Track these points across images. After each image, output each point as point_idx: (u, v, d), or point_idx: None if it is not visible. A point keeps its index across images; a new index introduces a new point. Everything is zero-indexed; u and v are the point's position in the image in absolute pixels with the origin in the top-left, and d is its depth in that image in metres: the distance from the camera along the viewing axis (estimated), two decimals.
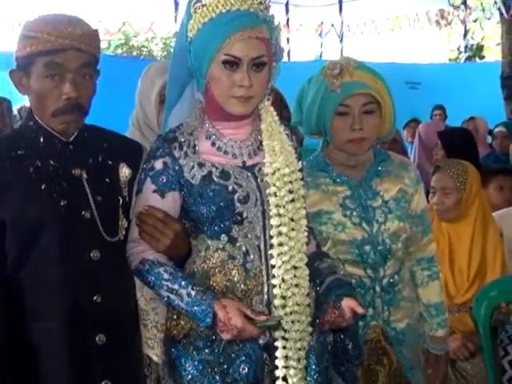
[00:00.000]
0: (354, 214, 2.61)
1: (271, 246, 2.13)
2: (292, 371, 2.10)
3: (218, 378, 2.12)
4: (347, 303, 2.09)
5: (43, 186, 2.06)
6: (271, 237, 2.13)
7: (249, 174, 2.17)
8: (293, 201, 2.14)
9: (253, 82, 2.08)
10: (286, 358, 2.10)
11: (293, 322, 2.11)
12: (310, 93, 2.65)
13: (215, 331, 2.06)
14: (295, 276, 2.12)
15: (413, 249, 2.77)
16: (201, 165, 2.14)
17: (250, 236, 2.15)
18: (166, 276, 2.08)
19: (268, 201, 2.13)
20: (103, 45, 19.41)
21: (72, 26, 2.04)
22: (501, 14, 10.31)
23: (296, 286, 2.12)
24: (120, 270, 2.17)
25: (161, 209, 2.14)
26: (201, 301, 2.02)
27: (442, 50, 19.72)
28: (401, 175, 2.72)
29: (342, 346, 2.22)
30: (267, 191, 2.13)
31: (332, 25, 12.15)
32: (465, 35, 15.16)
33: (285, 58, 10.62)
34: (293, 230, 2.13)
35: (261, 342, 2.12)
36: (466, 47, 15.22)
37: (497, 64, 11.63)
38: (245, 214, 2.14)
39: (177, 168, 2.14)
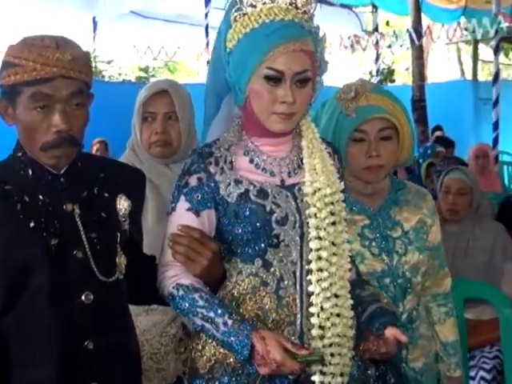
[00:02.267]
0: (373, 244, 2.51)
1: (308, 273, 2.00)
2: None
3: None
4: (390, 332, 1.98)
5: (32, 224, 1.92)
6: (309, 262, 2.00)
7: (288, 194, 2.04)
8: (334, 223, 2.02)
9: (296, 98, 1.97)
10: None
11: (332, 354, 1.96)
12: (324, 117, 2.55)
13: (247, 364, 1.94)
14: (336, 305, 1.99)
15: (429, 283, 2.67)
16: (238, 182, 2.02)
17: (285, 261, 2.02)
18: (201, 303, 1.96)
19: (307, 223, 2.00)
20: None
21: (60, 50, 1.89)
22: (411, 40, 10.56)
23: (337, 315, 1.99)
24: (116, 312, 2.04)
25: (196, 228, 2.01)
26: (238, 331, 1.89)
27: (354, 74, 20.10)
28: (419, 205, 2.62)
29: (383, 380, 2.12)
30: (307, 212, 2.00)
31: None
32: (376, 59, 15.49)
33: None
34: (334, 254, 2.00)
35: (291, 376, 1.96)
36: (377, 71, 15.50)
37: (407, 87, 11.99)
38: (282, 237, 2.01)
39: (212, 185, 2.03)
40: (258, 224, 1.99)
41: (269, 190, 2.02)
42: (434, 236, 2.64)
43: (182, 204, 2.04)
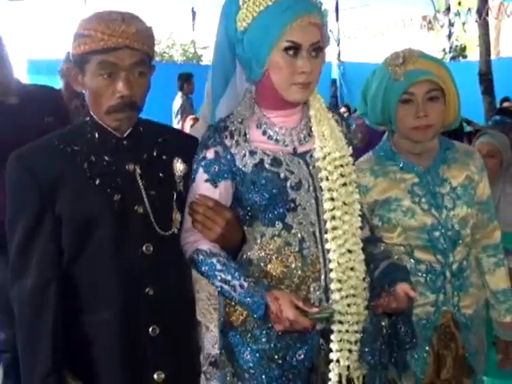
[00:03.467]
0: (423, 200, 2.41)
1: (326, 231, 1.96)
2: (346, 353, 1.93)
3: (274, 366, 1.98)
4: (401, 287, 1.93)
5: (97, 181, 1.93)
6: (325, 222, 1.96)
7: (300, 161, 2.00)
8: (345, 185, 1.97)
9: (312, 67, 1.92)
10: (341, 341, 1.93)
11: (349, 305, 1.93)
12: (373, 83, 2.46)
13: (267, 322, 1.90)
14: (350, 260, 1.94)
15: (479, 236, 2.56)
16: (252, 153, 1.98)
17: (304, 223, 1.98)
18: (219, 267, 1.92)
19: (320, 187, 1.95)
20: None
21: (125, 23, 1.88)
22: (478, 18, 10.34)
23: (351, 269, 1.94)
24: (173, 262, 2.02)
25: (211, 197, 1.98)
26: (253, 292, 1.86)
27: (430, 51, 19.77)
28: (467, 162, 2.51)
29: (394, 330, 2.07)
30: (319, 176, 1.96)
31: (330, 30, 11.97)
32: (449, 37, 15.43)
33: None
34: (346, 213, 1.96)
35: (318, 327, 1.94)
36: (450, 48, 15.45)
37: (476, 63, 11.63)
38: (298, 201, 1.97)
39: (228, 157, 1.98)
40: (274, 191, 1.95)
41: (282, 159, 1.98)
42: (481, 191, 2.54)
43: (201, 175, 2.00)
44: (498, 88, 10.34)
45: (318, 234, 1.97)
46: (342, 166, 1.96)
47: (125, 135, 1.99)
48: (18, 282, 1.92)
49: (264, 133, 2.01)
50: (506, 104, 10.26)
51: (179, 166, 2.04)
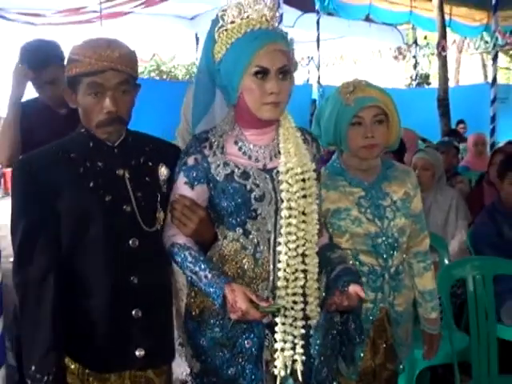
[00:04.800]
0: (368, 211, 2.42)
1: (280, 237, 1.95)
2: (288, 344, 1.92)
3: (226, 351, 1.99)
4: (353, 288, 1.91)
5: (91, 184, 1.96)
6: (280, 231, 1.95)
7: (267, 176, 1.98)
8: (305, 196, 1.95)
9: (281, 88, 1.91)
10: (284, 332, 1.92)
11: (294, 302, 1.93)
12: (327, 109, 2.46)
13: (225, 311, 1.88)
14: (303, 262, 1.94)
15: (411, 243, 2.58)
16: (226, 164, 1.98)
17: (261, 230, 1.97)
18: (189, 259, 1.94)
19: (281, 198, 1.94)
20: (139, 69, 19.79)
21: (110, 48, 1.92)
22: (438, 52, 10.48)
23: (303, 271, 1.94)
24: (156, 255, 2.04)
25: (188, 197, 1.99)
26: (215, 283, 1.87)
27: (399, 78, 19.90)
28: (404, 180, 2.53)
29: (345, 327, 2.05)
30: (280, 187, 1.94)
31: (311, 57, 12.03)
32: (415, 67, 15.52)
33: None
34: (304, 222, 1.94)
35: (264, 321, 1.95)
36: (416, 75, 15.53)
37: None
38: (259, 211, 1.96)
39: (205, 165, 1.99)
40: (239, 200, 1.95)
41: (251, 173, 1.97)
42: (415, 205, 2.56)
43: (181, 178, 2.01)
44: (454, 112, 10.39)
45: (272, 240, 1.97)
46: (303, 180, 1.95)
47: (116, 144, 2.02)
48: (21, 272, 1.94)
49: (240, 148, 2.01)
50: (460, 125, 10.46)
51: (163, 171, 2.06)
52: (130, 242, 1.98)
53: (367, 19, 12.33)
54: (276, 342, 1.93)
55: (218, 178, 1.96)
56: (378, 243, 2.40)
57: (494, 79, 8.93)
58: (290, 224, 1.91)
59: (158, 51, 14.80)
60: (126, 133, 2.05)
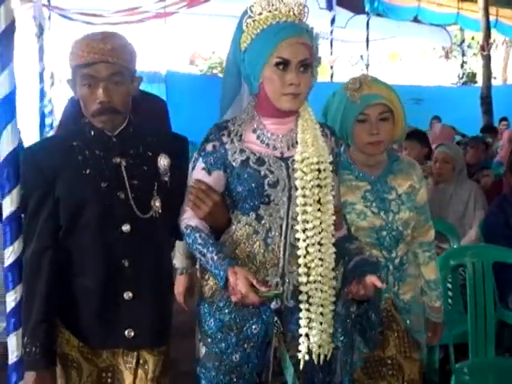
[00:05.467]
0: (373, 205, 2.34)
1: (292, 227, 1.90)
2: (314, 331, 1.86)
3: (232, 334, 1.94)
4: (370, 278, 1.83)
5: (88, 171, 1.94)
6: (294, 219, 1.90)
7: (282, 164, 1.92)
8: (319, 186, 1.89)
9: (300, 80, 1.86)
10: (309, 319, 1.86)
11: (316, 289, 1.87)
12: (334, 104, 2.38)
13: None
14: (320, 251, 1.87)
15: (416, 234, 2.48)
16: (242, 151, 1.93)
17: (274, 216, 1.91)
18: (199, 241, 1.88)
19: (295, 187, 1.88)
20: (202, 67, 21.16)
21: (103, 41, 1.89)
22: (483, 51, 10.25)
23: (320, 259, 1.87)
24: (149, 240, 2.00)
25: (204, 181, 1.94)
26: (219, 265, 1.81)
27: (447, 76, 19.36)
28: (410, 173, 2.43)
29: (366, 315, 1.98)
30: (295, 175, 1.88)
31: (361, 56, 11.83)
32: (462, 66, 15.33)
33: (329, 79, 10.57)
34: (319, 210, 1.88)
35: (272, 306, 1.89)
36: (463, 74, 15.33)
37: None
38: (272, 197, 1.90)
39: (223, 151, 1.94)
40: (253, 185, 1.90)
41: (266, 160, 1.92)
42: (420, 197, 2.45)
43: (200, 164, 1.97)
44: (499, 109, 10.12)
45: (284, 227, 1.91)
46: (318, 170, 1.89)
47: (115, 133, 1.99)
48: (26, 248, 2.00)
49: (258, 137, 1.95)
50: (502, 123, 10.04)
51: (163, 161, 2.00)
52: (123, 227, 1.95)
53: (415, 20, 12.06)
54: (300, 327, 1.87)
55: (234, 164, 1.92)
56: (382, 236, 2.32)
57: None
58: (305, 212, 1.86)
59: (217, 49, 14.89)
60: (128, 123, 2.01)
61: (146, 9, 9.50)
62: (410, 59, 13.92)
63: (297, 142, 1.93)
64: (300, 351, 1.87)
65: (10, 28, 2.10)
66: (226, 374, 1.94)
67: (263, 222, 1.91)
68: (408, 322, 2.38)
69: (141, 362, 2.04)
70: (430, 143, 5.37)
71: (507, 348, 3.15)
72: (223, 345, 1.94)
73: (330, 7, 11.61)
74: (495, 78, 19.84)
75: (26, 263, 2.00)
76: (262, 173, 1.89)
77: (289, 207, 1.90)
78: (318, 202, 1.87)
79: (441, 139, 6.89)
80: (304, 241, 1.85)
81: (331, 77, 12.61)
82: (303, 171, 1.87)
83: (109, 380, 2.05)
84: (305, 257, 1.85)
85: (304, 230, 1.85)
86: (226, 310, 1.94)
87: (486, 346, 2.99)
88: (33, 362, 1.92)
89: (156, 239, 2.00)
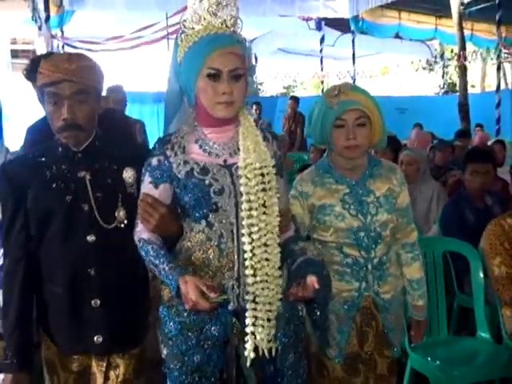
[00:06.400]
0: (352, 207, 2.20)
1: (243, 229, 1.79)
2: (260, 329, 1.75)
3: (193, 336, 1.84)
4: (310, 279, 1.70)
5: (54, 185, 1.89)
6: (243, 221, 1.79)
7: (226, 171, 1.82)
8: (264, 190, 1.77)
9: (233, 89, 1.76)
10: (255, 318, 1.75)
11: (262, 288, 1.75)
12: (315, 110, 2.25)
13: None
14: (266, 251, 1.75)
15: (399, 235, 2.34)
16: (186, 162, 1.82)
17: (224, 222, 1.80)
18: (151, 253, 1.79)
19: (241, 192, 1.76)
20: None
21: (68, 62, 1.83)
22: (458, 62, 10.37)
23: (266, 259, 1.75)
24: (115, 249, 1.92)
25: (150, 195, 1.84)
26: (171, 275, 1.72)
27: (429, 86, 19.28)
28: (389, 177, 2.29)
29: (312, 315, 1.88)
30: (240, 181, 1.77)
31: (348, 71, 11.75)
32: (442, 76, 15.44)
33: (320, 93, 10.55)
34: (264, 213, 1.76)
35: (230, 308, 1.81)
36: (444, 84, 15.40)
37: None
38: (220, 204, 1.79)
39: (167, 164, 1.84)
40: (199, 194, 1.80)
41: (210, 168, 1.82)
42: (401, 200, 2.30)
43: (147, 178, 1.87)
44: (476, 116, 10.02)
45: (235, 231, 1.80)
46: (262, 175, 1.77)
47: (80, 149, 1.92)
48: (4, 261, 1.98)
49: (200, 146, 1.85)
50: (476, 128, 9.84)
51: (129, 173, 1.94)
52: (88, 237, 1.89)
53: (397, 36, 11.99)
54: (246, 326, 1.76)
55: (179, 176, 1.82)
56: (360, 237, 2.19)
57: (498, 86, 8.90)
58: (251, 216, 1.75)
59: None
60: (94, 138, 1.94)
61: (131, 36, 9.60)
62: (395, 72, 13.78)
63: (239, 149, 1.83)
64: (245, 349, 1.77)
65: None
66: (189, 374, 1.85)
67: (214, 228, 1.81)
68: (386, 320, 2.27)
69: (113, 365, 1.99)
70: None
71: (470, 330, 3.11)
72: (184, 347, 1.85)
73: (319, 28, 11.66)
74: (473, 86, 19.79)
75: (4, 272, 1.96)
76: (207, 182, 1.80)
77: (237, 212, 1.80)
78: (263, 205, 1.77)
79: (417, 144, 6.90)
80: (250, 243, 1.74)
81: (322, 91, 12.69)
82: (247, 177, 1.76)
83: None
84: (251, 259, 1.74)
85: (250, 234, 1.75)
86: (185, 313, 1.84)
87: (439, 327, 2.93)
88: (9, 365, 1.91)
89: (123, 248, 1.91)
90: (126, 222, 1.91)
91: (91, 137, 1.93)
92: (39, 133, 1.95)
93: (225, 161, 1.83)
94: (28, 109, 3.77)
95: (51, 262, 1.92)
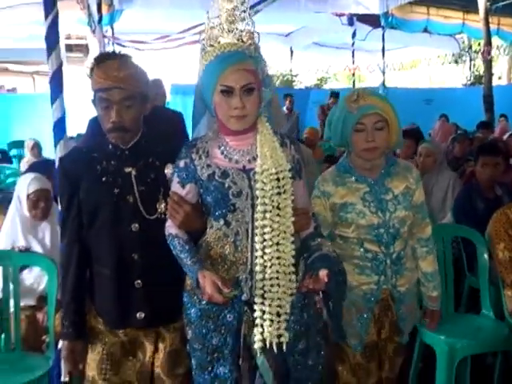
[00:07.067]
0: (372, 205, 2.20)
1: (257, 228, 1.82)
2: (268, 322, 1.77)
3: (211, 322, 1.88)
4: (321, 273, 1.70)
5: (104, 179, 1.96)
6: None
7: (244, 176, 1.83)
8: (279, 193, 1.79)
9: (245, 103, 1.77)
10: (263, 312, 1.77)
11: (272, 285, 1.77)
12: (335, 115, 2.24)
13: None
14: (278, 250, 1.77)
15: (414, 230, 2.32)
16: (208, 166, 1.85)
17: (241, 221, 1.83)
18: (178, 247, 1.86)
19: (257, 195, 1.78)
20: None
21: (117, 70, 1.87)
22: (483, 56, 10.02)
23: (278, 258, 1.77)
24: (156, 237, 1.94)
25: (177, 193, 1.89)
26: (192, 269, 1.79)
27: (458, 78, 18.72)
28: (406, 176, 2.27)
29: (328, 305, 1.85)
30: (256, 186, 1.78)
31: (377, 64, 11.50)
32: (470, 69, 15.09)
33: (351, 85, 10.49)
34: (278, 215, 1.78)
35: (243, 298, 1.84)
36: (470, 76, 15.02)
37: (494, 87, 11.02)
38: (237, 205, 1.82)
39: (192, 167, 1.87)
40: (219, 196, 1.83)
41: (230, 173, 1.84)
42: (417, 197, 2.29)
43: (175, 178, 1.92)
44: (501, 107, 9.69)
45: (250, 230, 1.82)
46: (277, 179, 1.79)
47: (128, 147, 1.98)
48: (62, 240, 2.08)
49: (222, 152, 1.87)
50: (500, 119, 9.68)
51: (170, 170, 1.97)
52: (132, 226, 1.95)
53: (426, 31, 11.68)
54: (255, 318, 1.79)
55: (202, 178, 1.85)
56: (380, 233, 2.19)
57: None
58: (264, 217, 1.77)
59: None
60: (140, 136, 2.00)
61: (179, 36, 9.69)
62: (425, 65, 13.43)
63: (257, 155, 1.84)
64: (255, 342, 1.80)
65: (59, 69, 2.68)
66: (209, 354, 1.89)
67: (231, 227, 1.84)
68: (399, 311, 2.28)
69: (161, 337, 2.06)
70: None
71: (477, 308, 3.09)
72: (204, 330, 1.89)
73: (351, 23, 11.46)
74: (500, 78, 19.19)
75: (61, 253, 2.08)
76: (226, 185, 1.82)
77: (253, 213, 1.81)
78: (277, 207, 1.78)
79: (440, 134, 6.77)
80: (261, 243, 1.77)
81: (353, 82, 12.49)
82: (263, 182, 1.78)
83: (131, 350, 2.05)
84: (262, 257, 1.77)
85: (263, 234, 1.77)
86: (204, 301, 1.86)
87: (447, 306, 2.95)
88: (65, 333, 2.02)
89: (162, 236, 1.95)
90: (166, 213, 1.96)
91: (137, 136, 1.99)
92: (99, 126, 1.98)
93: (244, 166, 1.84)
94: (83, 100, 3.87)
95: (100, 247, 1.99)
